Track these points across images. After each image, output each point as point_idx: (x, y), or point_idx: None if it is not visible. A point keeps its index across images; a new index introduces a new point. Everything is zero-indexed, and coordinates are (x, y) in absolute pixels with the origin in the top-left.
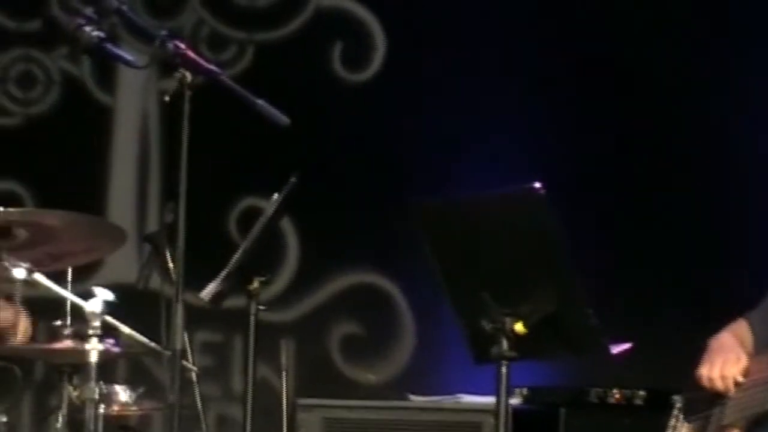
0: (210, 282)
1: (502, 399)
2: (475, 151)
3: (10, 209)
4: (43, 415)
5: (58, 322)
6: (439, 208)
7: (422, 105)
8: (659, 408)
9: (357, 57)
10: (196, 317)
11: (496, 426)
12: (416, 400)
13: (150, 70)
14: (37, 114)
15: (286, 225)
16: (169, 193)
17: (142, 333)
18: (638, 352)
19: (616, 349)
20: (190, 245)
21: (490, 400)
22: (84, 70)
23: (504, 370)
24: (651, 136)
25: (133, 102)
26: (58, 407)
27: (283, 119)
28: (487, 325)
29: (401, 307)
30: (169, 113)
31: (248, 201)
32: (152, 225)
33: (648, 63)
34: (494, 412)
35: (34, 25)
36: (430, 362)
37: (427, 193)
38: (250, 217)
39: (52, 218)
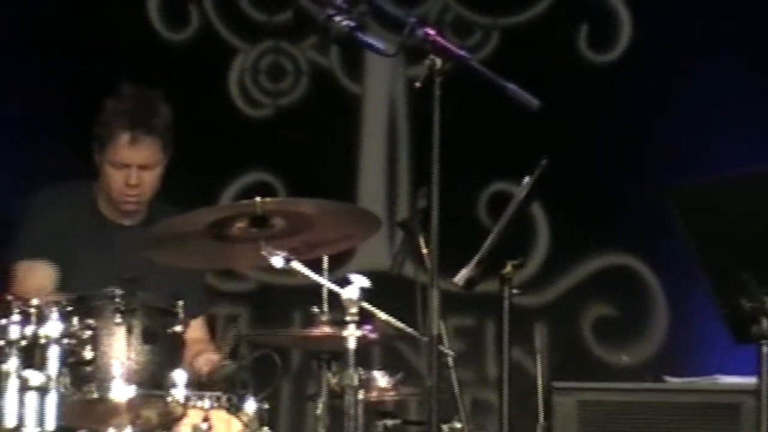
0: (462, 267)
1: (764, 379)
2: (724, 132)
3: (267, 199)
4: (300, 402)
5: (316, 310)
6: (698, 190)
7: (671, 85)
8: None
9: (603, 38)
10: (449, 302)
11: (758, 407)
12: (672, 381)
13: (397, 57)
14: (287, 105)
15: (536, 208)
16: (419, 179)
17: (396, 319)
18: None
19: None
20: (441, 230)
21: (749, 380)
22: (332, 60)
23: (765, 349)
24: None
25: (381, 90)
26: (317, 394)
27: (534, 102)
28: (746, 305)
29: (653, 288)
30: (418, 99)
31: (497, 185)
32: (402, 211)
33: None
34: (755, 392)
35: (284, 17)
36: (684, 343)
37: (677, 174)
38: (499, 201)
39: (308, 207)
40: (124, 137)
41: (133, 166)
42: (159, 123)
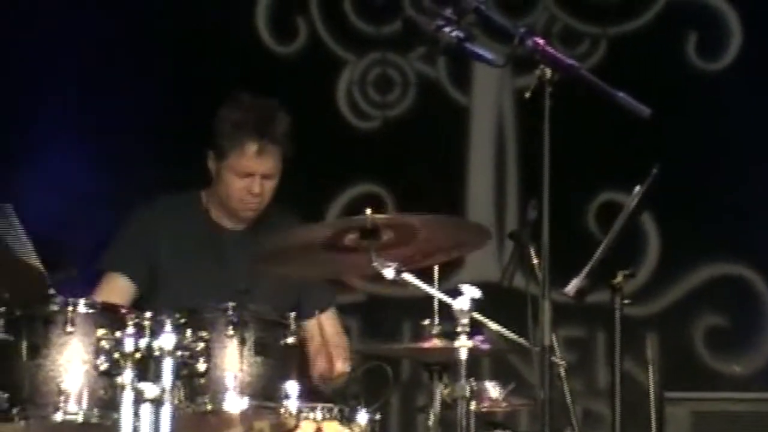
0: (571, 278)
1: None
2: None
3: (378, 215)
4: (411, 413)
5: (426, 321)
6: None
7: None
8: None
9: (712, 46)
10: (559, 313)
11: None
12: None
13: (504, 67)
14: (394, 116)
15: (646, 216)
16: (528, 190)
17: (506, 330)
18: None
19: None
20: (551, 241)
21: None
22: (440, 71)
23: None
24: None
25: (489, 100)
26: (427, 405)
27: (645, 110)
28: None
29: (766, 297)
30: (526, 110)
31: (606, 195)
32: (511, 222)
33: None
34: None
35: (391, 28)
36: None
37: None
38: (608, 210)
39: (418, 220)
40: (252, 147)
41: (257, 175)
42: (281, 132)
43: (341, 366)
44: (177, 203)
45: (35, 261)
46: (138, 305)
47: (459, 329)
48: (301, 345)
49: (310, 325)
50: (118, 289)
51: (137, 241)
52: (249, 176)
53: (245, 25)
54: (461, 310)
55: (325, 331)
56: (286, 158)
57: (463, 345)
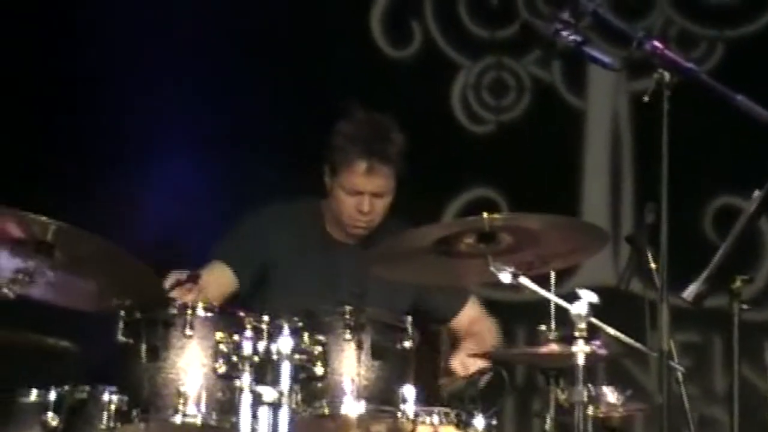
0: (688, 282)
1: None
2: None
3: (495, 215)
4: (527, 418)
5: (542, 326)
6: None
7: None
8: None
9: None
10: (675, 318)
11: None
12: None
13: (620, 71)
14: (509, 120)
15: (764, 221)
16: (644, 194)
17: (623, 334)
18: None
19: None
20: (668, 245)
21: None
22: (555, 75)
23: None
24: None
25: (604, 104)
26: (543, 410)
27: (764, 114)
28: None
29: None
30: (642, 113)
31: (724, 199)
32: (626, 226)
33: None
34: None
35: (507, 32)
36: None
37: None
38: (725, 214)
39: (535, 222)
40: (361, 166)
41: (366, 193)
42: (393, 151)
43: (490, 342)
44: (294, 210)
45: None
46: (250, 306)
47: (576, 334)
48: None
49: (458, 322)
50: (217, 276)
51: (248, 239)
52: (359, 194)
53: (360, 29)
54: (579, 315)
55: (469, 321)
56: (399, 177)
57: (581, 350)
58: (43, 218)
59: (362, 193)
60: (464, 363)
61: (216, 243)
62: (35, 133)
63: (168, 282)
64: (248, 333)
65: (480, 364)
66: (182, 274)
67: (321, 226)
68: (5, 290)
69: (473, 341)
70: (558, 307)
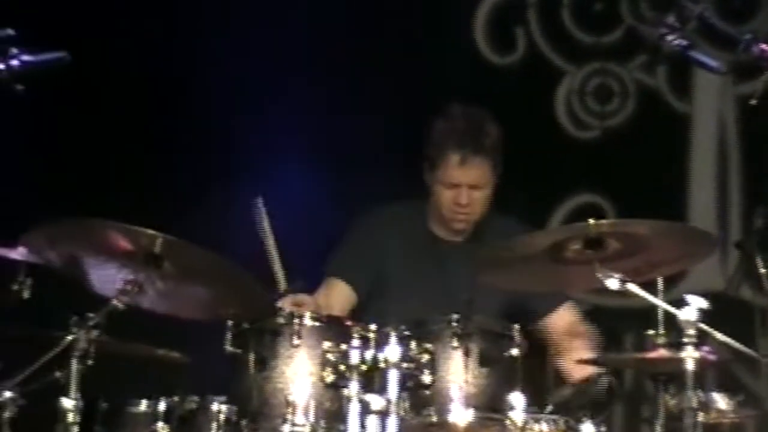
0: None
1: None
2: None
3: (602, 221)
4: (636, 424)
5: (651, 332)
6: None
7: None
8: None
9: None
10: None
11: None
12: None
13: (726, 74)
14: (614, 126)
15: None
16: (752, 199)
17: (733, 340)
18: None
19: None
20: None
21: None
22: (659, 80)
23: None
24: None
25: (710, 108)
26: (652, 416)
27: None
28: None
29: None
30: (749, 117)
31: None
32: (734, 231)
33: None
34: None
35: (612, 38)
36: None
37: None
38: None
39: (642, 228)
40: (454, 157)
41: (463, 185)
42: (488, 143)
43: (584, 354)
44: (401, 212)
45: (276, 257)
46: (360, 313)
47: (686, 340)
48: (540, 346)
49: (550, 322)
50: (337, 294)
51: (361, 249)
52: (455, 187)
53: (464, 37)
54: (688, 321)
55: (566, 325)
56: (497, 169)
57: (690, 356)
58: (151, 231)
59: (459, 186)
60: (573, 369)
61: (330, 257)
62: (145, 147)
63: (284, 303)
64: (355, 342)
65: (589, 370)
66: (296, 297)
67: (426, 226)
68: (115, 301)
69: (577, 346)
70: (666, 313)
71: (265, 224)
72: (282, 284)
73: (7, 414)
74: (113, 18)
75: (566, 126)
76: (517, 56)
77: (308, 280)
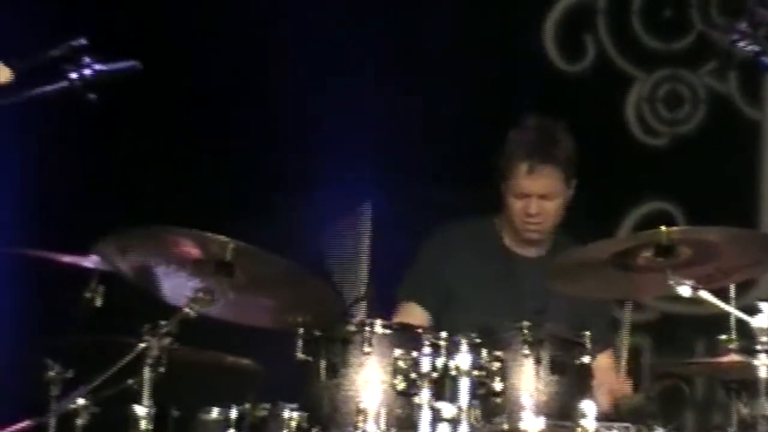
0: None
1: None
2: None
3: (673, 228)
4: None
5: (723, 337)
6: None
7: None
8: None
9: None
10: None
11: None
12: None
13: None
14: (684, 133)
15: None
16: None
17: None
18: None
19: None
20: None
21: None
22: (731, 87)
23: None
24: None
25: None
26: (724, 424)
27: None
28: None
29: None
30: None
31: None
32: None
33: None
34: None
35: (682, 44)
36: None
37: None
38: None
39: (714, 235)
40: (523, 167)
41: (533, 195)
42: (557, 153)
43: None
44: (470, 229)
45: (364, 266)
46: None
47: (759, 347)
48: None
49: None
50: (413, 318)
51: (431, 271)
52: (525, 197)
53: (534, 44)
54: (761, 328)
55: (600, 370)
56: (569, 180)
57: (763, 363)
58: (222, 238)
59: (529, 196)
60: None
61: (402, 281)
62: (215, 155)
63: None
64: (426, 349)
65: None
66: None
67: (499, 241)
68: (186, 309)
69: (609, 385)
70: (738, 320)
71: (367, 230)
72: (362, 291)
73: (80, 421)
74: (185, 24)
75: (636, 133)
76: (587, 63)
77: (381, 296)
